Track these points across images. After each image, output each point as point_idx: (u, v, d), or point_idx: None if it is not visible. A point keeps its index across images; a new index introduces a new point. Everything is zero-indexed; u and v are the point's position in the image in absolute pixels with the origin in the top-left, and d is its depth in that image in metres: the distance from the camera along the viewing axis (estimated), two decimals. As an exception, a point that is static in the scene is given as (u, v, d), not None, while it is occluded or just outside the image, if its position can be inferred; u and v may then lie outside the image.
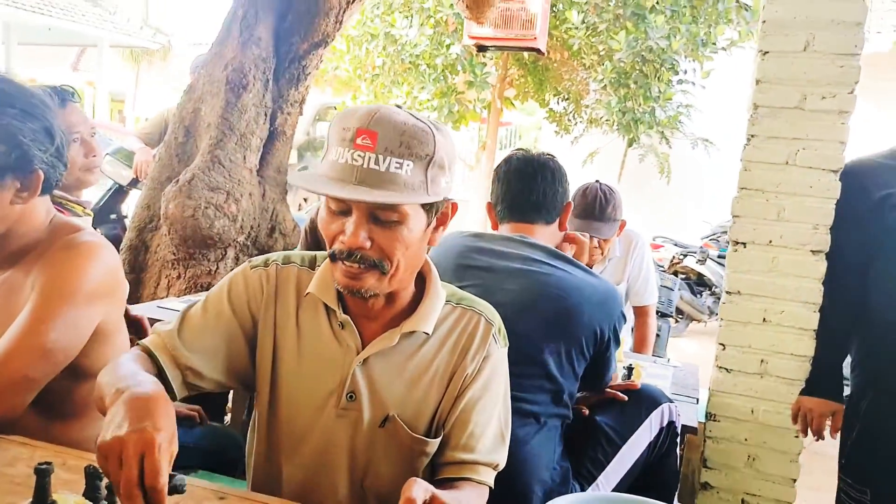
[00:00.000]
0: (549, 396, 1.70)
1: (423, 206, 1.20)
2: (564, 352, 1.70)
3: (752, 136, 2.32)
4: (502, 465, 1.31)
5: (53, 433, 1.40)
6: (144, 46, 17.29)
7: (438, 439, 1.27)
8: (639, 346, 3.03)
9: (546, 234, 1.86)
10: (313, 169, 1.22)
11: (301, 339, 1.30)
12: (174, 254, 3.10)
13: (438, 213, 1.24)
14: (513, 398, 1.64)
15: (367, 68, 9.03)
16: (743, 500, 2.37)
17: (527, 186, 1.85)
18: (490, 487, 1.29)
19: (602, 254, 2.85)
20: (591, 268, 2.85)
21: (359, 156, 1.12)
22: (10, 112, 1.37)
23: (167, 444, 0.93)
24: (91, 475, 1.03)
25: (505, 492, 1.63)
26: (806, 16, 2.24)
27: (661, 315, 3.95)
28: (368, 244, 1.16)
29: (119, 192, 4.38)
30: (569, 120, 10.11)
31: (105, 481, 0.99)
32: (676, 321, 5.67)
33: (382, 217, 1.16)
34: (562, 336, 1.70)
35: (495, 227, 1.93)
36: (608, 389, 1.91)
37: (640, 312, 3.08)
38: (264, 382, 1.33)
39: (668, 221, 10.36)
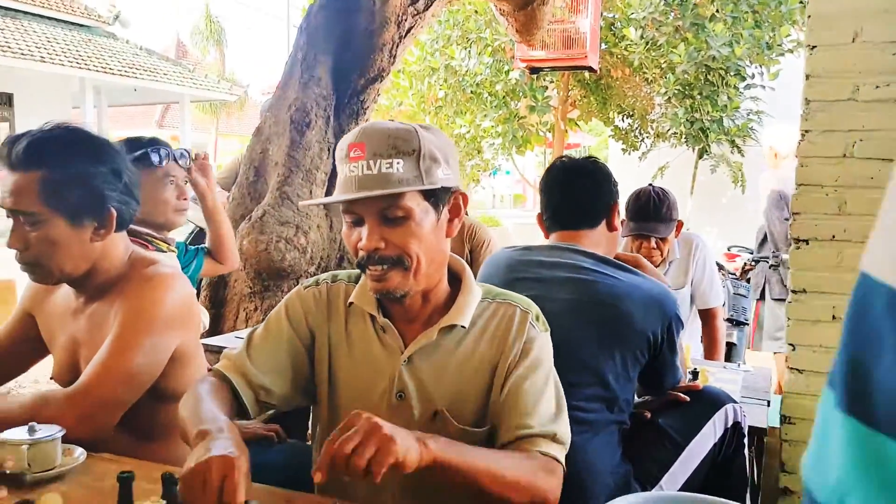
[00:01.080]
0: (604, 404, 1.71)
1: (427, 199, 1.27)
2: (619, 358, 1.71)
3: (807, 131, 2.28)
4: (565, 440, 1.32)
5: (141, 453, 1.50)
6: (222, 99, 18.18)
7: (485, 429, 1.32)
8: (709, 352, 2.96)
9: (594, 239, 1.87)
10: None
11: (351, 348, 1.39)
12: (250, 287, 3.26)
13: (447, 204, 1.32)
14: (570, 407, 1.67)
15: (430, 101, 9.23)
16: (825, 505, 2.29)
17: (567, 193, 1.88)
18: (557, 460, 1.29)
19: (661, 254, 2.84)
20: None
21: (354, 167, 1.23)
22: (80, 158, 1.52)
23: (247, 468, 1.04)
24: (167, 481, 1.14)
25: (564, 500, 1.65)
26: (852, 7, 2.21)
27: (737, 324, 3.85)
28: (383, 244, 1.26)
29: (200, 235, 4.63)
30: (635, 136, 10.01)
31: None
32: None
33: (390, 215, 1.25)
34: (615, 342, 1.71)
35: (546, 237, 1.97)
36: (670, 392, 1.90)
37: (706, 316, 3.01)
38: (322, 393, 1.42)
39: (745, 231, 10.04)
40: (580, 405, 1.68)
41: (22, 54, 12.53)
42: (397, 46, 3.41)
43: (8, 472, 1.26)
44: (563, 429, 1.33)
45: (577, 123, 10.54)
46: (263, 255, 3.16)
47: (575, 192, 1.87)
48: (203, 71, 17.77)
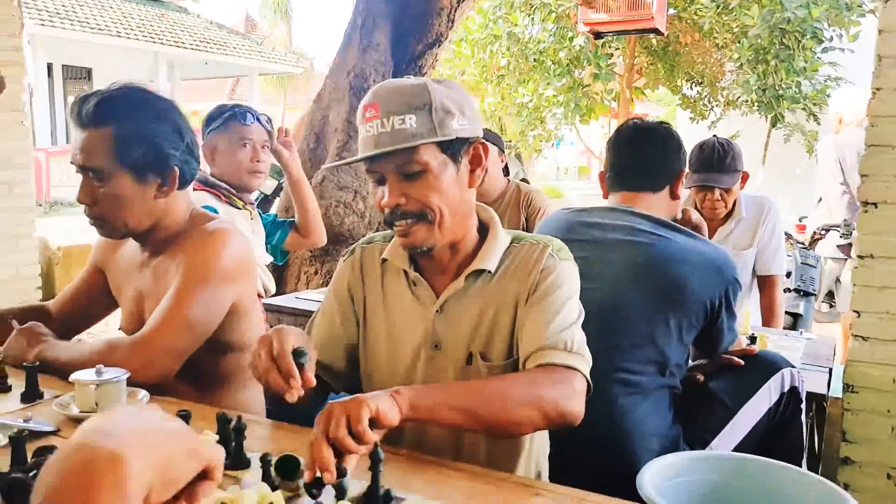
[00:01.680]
0: (655, 367, 1.69)
1: (444, 151, 1.28)
2: (673, 323, 1.68)
3: (878, 89, 2.18)
4: (580, 349, 1.28)
5: (199, 402, 1.59)
6: (289, 72, 18.46)
7: (513, 359, 1.33)
8: (766, 319, 2.87)
9: (654, 203, 1.83)
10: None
11: (387, 305, 1.43)
12: (311, 251, 3.34)
13: (466, 155, 1.32)
14: (618, 369, 1.67)
15: (492, 70, 9.15)
16: (888, 475, 2.22)
17: (634, 153, 1.84)
18: (572, 368, 1.25)
19: (725, 207, 2.76)
20: (715, 224, 2.78)
21: (370, 127, 1.26)
22: (146, 117, 1.58)
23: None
24: (221, 420, 1.19)
25: (611, 461, 1.65)
26: (932, -44, 2.08)
27: (804, 294, 3.72)
28: (403, 200, 1.29)
29: (265, 201, 4.76)
30: (704, 104, 9.71)
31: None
32: (831, 306, 5.30)
33: (407, 171, 1.27)
34: (669, 307, 1.68)
35: (605, 197, 1.94)
36: (724, 355, 1.87)
37: (765, 283, 2.91)
38: (363, 353, 1.47)
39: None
40: (631, 368, 1.67)
41: (100, 30, 12.99)
42: (455, 10, 3.39)
43: (78, 410, 1.34)
44: (577, 335, 1.29)
45: (643, 92, 10.28)
46: (323, 220, 3.22)
47: (643, 153, 1.83)
48: (271, 44, 18.06)
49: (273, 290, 2.43)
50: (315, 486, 0.99)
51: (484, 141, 1.36)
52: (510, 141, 9.66)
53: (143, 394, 1.43)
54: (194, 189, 2.34)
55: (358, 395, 1.09)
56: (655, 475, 1.44)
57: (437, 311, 1.36)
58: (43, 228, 5.90)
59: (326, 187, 3.23)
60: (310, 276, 3.34)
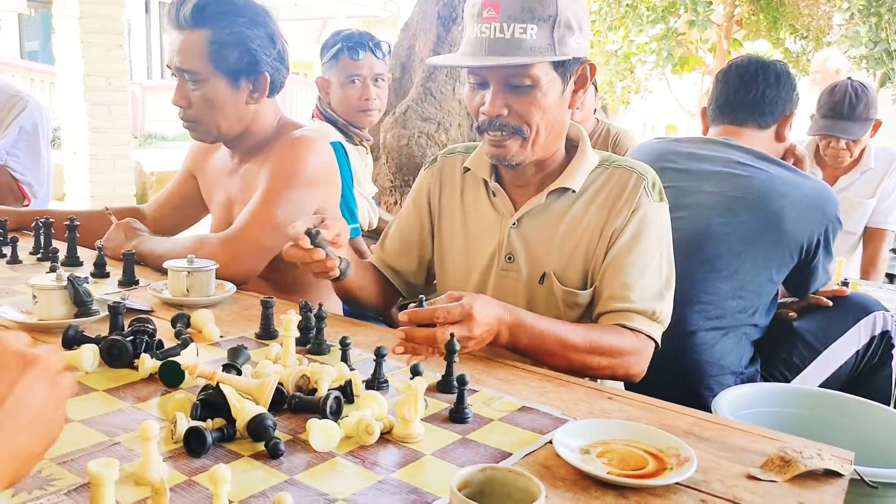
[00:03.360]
0: (740, 303, 1.64)
1: (556, 68, 1.24)
2: (762, 259, 1.63)
3: None
4: (663, 319, 1.29)
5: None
6: (376, 15, 18.43)
7: (589, 291, 1.31)
8: (865, 272, 2.72)
9: (757, 141, 1.75)
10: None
11: (465, 214, 1.43)
12: (391, 181, 3.36)
13: (574, 75, 1.28)
14: (701, 301, 1.63)
15: (583, 15, 8.86)
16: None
17: (744, 85, 1.75)
18: (652, 339, 1.28)
19: (850, 156, 2.60)
20: (838, 173, 2.63)
21: (486, 28, 1.20)
22: (240, 21, 1.61)
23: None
24: (304, 306, 1.24)
25: (686, 393, 1.62)
26: None
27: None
28: (506, 111, 1.25)
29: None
30: (808, 60, 9.17)
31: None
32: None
33: (516, 83, 1.23)
34: (763, 243, 1.62)
35: (705, 133, 1.87)
36: (812, 296, 1.79)
37: (873, 236, 2.73)
38: (437, 260, 1.49)
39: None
40: (714, 301, 1.63)
41: (195, -32, 13.18)
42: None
43: (170, 294, 1.41)
44: (665, 307, 1.30)
45: (741, 44, 9.78)
46: (405, 150, 3.24)
47: (755, 86, 1.73)
48: (359, -13, 17.98)
49: (376, 224, 2.37)
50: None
51: (592, 62, 1.32)
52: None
53: (230, 286, 1.49)
54: (313, 117, 2.36)
55: (487, 313, 1.12)
56: (732, 402, 1.42)
57: (513, 225, 1.35)
58: (137, 159, 6.13)
59: (409, 118, 3.23)
60: (389, 205, 3.38)
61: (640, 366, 1.26)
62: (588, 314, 1.34)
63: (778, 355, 1.72)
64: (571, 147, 1.38)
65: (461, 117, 3.37)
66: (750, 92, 1.74)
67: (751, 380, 1.67)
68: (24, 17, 14.23)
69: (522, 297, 1.35)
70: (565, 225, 1.33)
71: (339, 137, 2.22)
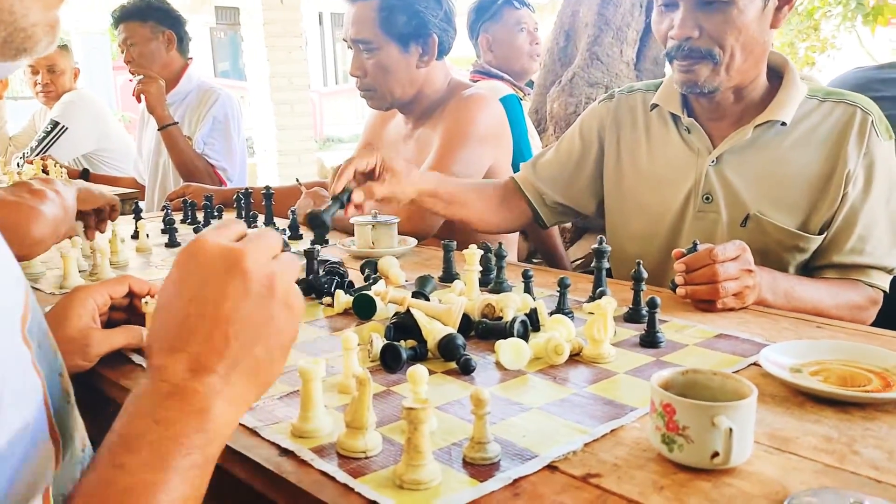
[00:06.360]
0: None
1: None
2: None
3: None
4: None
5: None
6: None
7: (822, 236, 1.21)
8: None
9: None
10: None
11: (652, 152, 1.35)
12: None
13: None
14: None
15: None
16: None
17: None
18: (885, 291, 1.20)
19: None
20: None
21: None
22: None
23: None
24: (484, 247, 1.24)
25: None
26: None
27: None
28: (696, 32, 1.16)
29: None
30: None
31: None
32: None
33: None
34: None
35: None
36: None
37: None
38: (613, 200, 1.42)
39: None
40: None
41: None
42: None
43: (357, 248, 1.48)
44: None
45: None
46: (572, 119, 3.17)
47: None
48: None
49: None
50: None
51: None
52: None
53: (412, 240, 1.53)
54: (476, 80, 2.43)
55: (756, 279, 1.05)
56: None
57: (712, 163, 1.26)
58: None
59: (576, 84, 3.17)
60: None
61: (872, 318, 1.20)
62: (803, 261, 1.24)
63: None
64: (774, 77, 1.26)
65: (629, 80, 3.25)
66: None
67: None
68: (216, 40, 15.69)
69: (722, 240, 1.24)
70: (775, 163, 1.22)
71: (511, 91, 2.28)
